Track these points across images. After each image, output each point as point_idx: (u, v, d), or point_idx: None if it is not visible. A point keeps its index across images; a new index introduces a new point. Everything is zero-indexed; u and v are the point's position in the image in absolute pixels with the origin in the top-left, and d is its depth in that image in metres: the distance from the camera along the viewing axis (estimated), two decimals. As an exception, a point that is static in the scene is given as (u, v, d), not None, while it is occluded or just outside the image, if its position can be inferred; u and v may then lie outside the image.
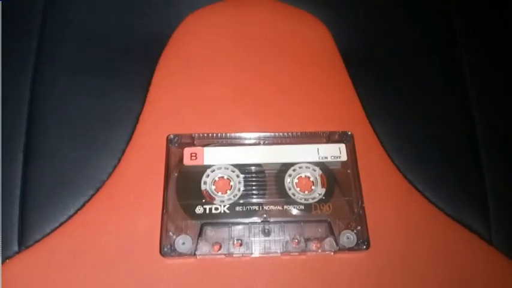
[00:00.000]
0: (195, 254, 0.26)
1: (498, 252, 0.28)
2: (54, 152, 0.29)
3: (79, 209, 0.27)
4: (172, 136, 0.29)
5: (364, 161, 0.30)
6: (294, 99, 0.32)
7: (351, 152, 0.30)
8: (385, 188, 0.30)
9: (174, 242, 0.26)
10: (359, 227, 0.27)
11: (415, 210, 0.29)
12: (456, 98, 0.32)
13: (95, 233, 0.27)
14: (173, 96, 0.31)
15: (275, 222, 0.27)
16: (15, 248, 0.26)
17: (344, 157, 0.29)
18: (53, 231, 0.27)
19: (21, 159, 0.28)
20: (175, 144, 0.29)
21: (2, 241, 0.26)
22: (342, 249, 0.27)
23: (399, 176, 0.30)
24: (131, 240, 0.27)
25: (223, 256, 0.27)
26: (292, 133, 0.30)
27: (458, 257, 0.28)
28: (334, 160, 0.29)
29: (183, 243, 0.26)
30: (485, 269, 0.28)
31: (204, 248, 0.26)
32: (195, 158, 0.29)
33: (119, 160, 0.29)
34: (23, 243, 0.26)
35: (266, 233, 0.27)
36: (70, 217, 0.27)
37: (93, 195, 0.28)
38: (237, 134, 0.30)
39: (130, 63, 0.32)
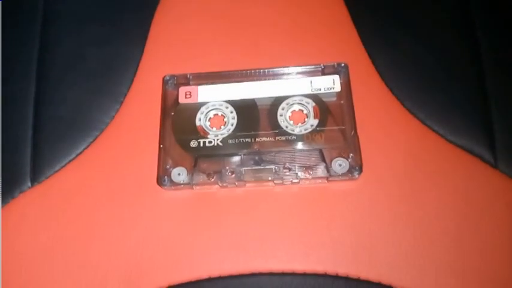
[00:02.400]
0: (190, 184, 0.27)
1: (503, 175, 0.27)
2: (62, 97, 0.31)
3: (85, 148, 0.29)
4: (168, 77, 0.30)
5: (362, 91, 0.30)
6: (290, 33, 0.32)
7: (345, 82, 0.29)
8: (382, 116, 0.29)
9: (170, 174, 0.28)
10: (352, 155, 0.27)
11: (414, 138, 0.28)
12: (459, 23, 0.31)
13: (100, 169, 0.29)
14: (171, 40, 0.32)
15: (267, 152, 0.28)
16: (28, 183, 0.28)
17: (338, 88, 0.29)
18: (62, 168, 0.29)
19: (33, 104, 0.30)
20: (172, 84, 0.30)
21: (16, 177, 0.28)
22: (333, 175, 0.27)
23: (398, 104, 0.29)
24: (133, 174, 0.28)
25: (218, 186, 0.28)
26: (287, 67, 0.30)
27: (460, 181, 0.27)
28: (328, 92, 0.29)
29: (179, 174, 0.27)
30: (490, 192, 0.27)
31: (198, 178, 0.27)
32: (189, 96, 0.30)
33: (121, 103, 0.31)
34: (35, 179, 0.28)
35: (257, 162, 0.27)
36: (77, 155, 0.29)
37: (98, 135, 0.30)
38: (231, 72, 0.30)
39: (130, 13, 0.33)
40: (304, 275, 0.25)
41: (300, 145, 0.28)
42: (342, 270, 0.26)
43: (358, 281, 0.25)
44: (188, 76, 0.30)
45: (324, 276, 0.25)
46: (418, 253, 0.26)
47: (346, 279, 0.25)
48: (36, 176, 0.29)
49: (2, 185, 0.28)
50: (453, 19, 0.31)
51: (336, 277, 0.25)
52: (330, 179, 0.27)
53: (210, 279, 0.26)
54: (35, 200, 0.28)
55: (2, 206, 0.28)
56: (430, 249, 0.26)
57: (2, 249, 0.27)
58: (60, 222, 0.27)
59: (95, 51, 0.32)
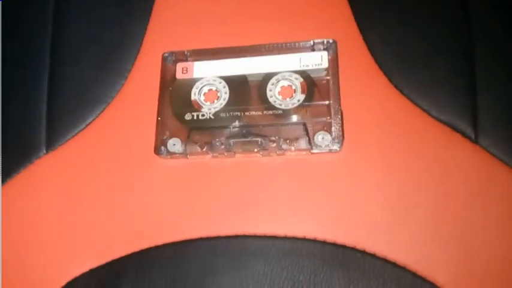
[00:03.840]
0: (184, 154, 0.30)
1: (483, 150, 0.27)
2: (73, 73, 0.34)
3: (93, 120, 0.32)
4: (167, 54, 0.32)
5: (350, 67, 0.30)
6: (284, 10, 0.33)
7: (333, 58, 0.30)
8: (369, 92, 0.30)
9: (166, 144, 0.30)
10: (334, 128, 0.29)
11: (398, 113, 0.29)
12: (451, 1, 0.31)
13: (106, 139, 0.32)
14: (172, 18, 0.34)
15: (255, 126, 0.30)
16: (44, 150, 0.32)
17: (325, 64, 0.30)
18: (73, 136, 0.32)
19: (47, 80, 0.33)
20: (170, 60, 0.32)
21: (32, 145, 0.32)
22: (315, 148, 0.28)
23: (385, 80, 0.30)
24: (134, 144, 0.31)
25: (210, 156, 0.30)
26: (278, 44, 0.31)
27: (441, 155, 0.28)
28: (316, 68, 0.30)
29: (174, 145, 0.30)
30: (469, 166, 0.27)
31: (191, 148, 0.30)
32: (186, 72, 0.32)
33: (126, 79, 0.33)
34: (50, 147, 0.32)
35: (245, 134, 0.29)
36: (86, 126, 0.32)
37: (104, 108, 0.33)
38: (225, 48, 0.32)
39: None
40: (285, 238, 0.28)
41: (285, 119, 0.29)
42: (320, 235, 0.28)
43: (334, 245, 0.27)
44: (186, 53, 0.32)
45: (303, 240, 0.28)
46: (393, 221, 0.27)
47: (323, 243, 0.27)
48: (50, 144, 0.32)
49: (20, 151, 0.32)
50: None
51: (314, 241, 0.27)
52: (313, 151, 0.29)
53: (200, 239, 0.28)
54: (50, 165, 0.32)
55: (20, 171, 0.32)
56: (405, 218, 0.27)
57: (20, 209, 0.31)
58: (71, 186, 0.31)
59: (102, 29, 0.35)
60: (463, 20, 0.30)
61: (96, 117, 0.33)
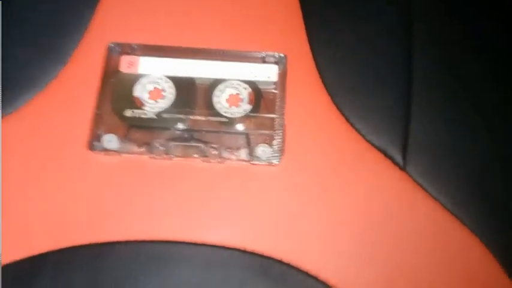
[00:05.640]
0: (120, 152, 0.29)
1: (409, 177, 0.29)
2: (8, 53, 0.31)
3: (23, 105, 0.30)
4: (112, 44, 0.31)
5: (297, 83, 0.31)
6: (241, 17, 0.33)
7: (283, 73, 0.31)
8: (311, 110, 0.31)
9: (101, 139, 0.29)
10: (276, 142, 0.29)
11: (337, 134, 0.30)
12: (397, 29, 0.32)
13: (37, 126, 0.30)
14: (124, 8, 0.33)
15: (198, 131, 0.29)
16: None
17: (274, 78, 0.31)
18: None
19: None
20: (116, 52, 0.31)
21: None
22: (255, 160, 0.29)
23: (328, 100, 0.31)
24: (66, 135, 0.29)
25: (147, 157, 0.29)
26: (230, 51, 0.31)
27: (370, 178, 0.29)
28: (265, 80, 0.31)
29: (110, 141, 0.29)
30: (396, 191, 0.29)
31: (128, 147, 0.29)
32: (131, 66, 0.31)
33: (65, 64, 0.31)
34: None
35: (187, 138, 0.29)
36: (16, 109, 0.30)
37: (37, 93, 0.30)
38: (175, 47, 0.31)
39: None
40: (213, 246, 0.28)
41: (230, 128, 0.29)
42: (249, 245, 0.28)
43: (261, 256, 0.28)
44: (133, 46, 0.31)
45: (232, 249, 0.28)
46: (318, 237, 0.28)
47: (251, 254, 0.28)
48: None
49: None
50: (392, 26, 0.33)
51: (243, 251, 0.28)
52: (252, 162, 0.29)
53: (124, 242, 0.28)
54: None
55: None
56: (330, 236, 0.28)
57: None
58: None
59: (45, 14, 0.32)
60: (406, 52, 0.32)
61: (27, 102, 0.30)
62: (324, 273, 0.28)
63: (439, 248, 0.28)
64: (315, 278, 0.27)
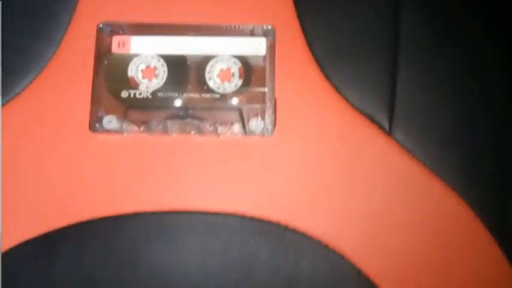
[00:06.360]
0: (120, 131, 0.30)
1: (395, 143, 0.31)
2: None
3: (21, 91, 0.31)
4: (101, 25, 0.31)
5: (286, 54, 0.32)
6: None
7: (271, 45, 0.31)
8: (301, 80, 0.32)
9: (102, 121, 0.30)
10: (267, 116, 0.30)
11: (326, 102, 0.32)
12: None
13: (37, 110, 0.31)
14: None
15: (192, 108, 0.30)
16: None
17: (263, 51, 0.31)
18: (-1, 107, 0.31)
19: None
20: (106, 32, 0.31)
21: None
22: (249, 133, 0.30)
23: (317, 70, 0.32)
24: (67, 117, 0.31)
25: (146, 135, 0.31)
26: (218, 25, 0.31)
27: (357, 144, 0.31)
28: (254, 54, 0.31)
29: (110, 122, 0.30)
30: (382, 156, 0.31)
31: (127, 126, 0.30)
32: (122, 46, 0.31)
33: (58, 47, 0.32)
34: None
35: (183, 116, 0.30)
36: (15, 96, 0.31)
37: (34, 78, 0.31)
38: (164, 24, 0.31)
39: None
40: (216, 214, 0.30)
41: (223, 103, 0.31)
42: (248, 211, 0.30)
43: (260, 220, 0.30)
44: (123, 25, 0.31)
45: (233, 216, 0.30)
46: (312, 201, 0.30)
47: (251, 219, 0.30)
48: (-27, 114, 0.30)
49: None
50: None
51: (242, 217, 0.30)
52: (246, 135, 0.30)
53: (135, 214, 0.30)
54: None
55: None
56: (322, 199, 0.30)
57: None
58: (3, 159, 0.30)
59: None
60: (393, 20, 0.32)
61: (25, 88, 0.31)
62: (317, 232, 0.30)
63: (426, 210, 0.30)
64: (310, 238, 0.30)
